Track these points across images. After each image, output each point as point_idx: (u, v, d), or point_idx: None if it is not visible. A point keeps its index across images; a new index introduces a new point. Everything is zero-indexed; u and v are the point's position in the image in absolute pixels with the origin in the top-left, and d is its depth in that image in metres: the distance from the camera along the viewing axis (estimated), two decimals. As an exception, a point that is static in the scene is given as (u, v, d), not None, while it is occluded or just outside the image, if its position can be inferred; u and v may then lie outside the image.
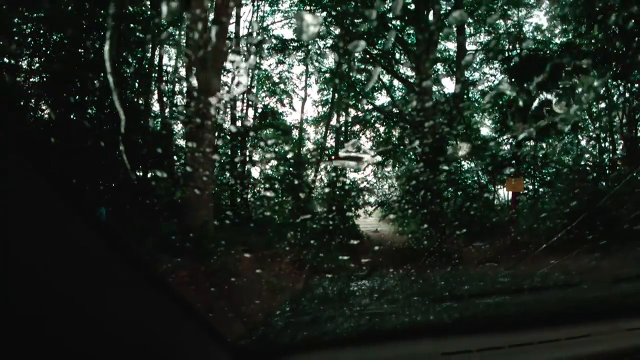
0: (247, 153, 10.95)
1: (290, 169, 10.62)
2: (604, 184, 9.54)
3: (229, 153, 10.63)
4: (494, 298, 1.64)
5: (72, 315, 0.48)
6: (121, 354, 0.54)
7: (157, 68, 10.23)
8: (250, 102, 12.09)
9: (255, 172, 11.11)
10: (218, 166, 9.57)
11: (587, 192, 7.82)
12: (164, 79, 10.68)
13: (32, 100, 7.24)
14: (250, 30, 12.16)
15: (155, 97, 9.91)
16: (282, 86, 12.63)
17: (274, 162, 10.90)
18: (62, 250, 0.46)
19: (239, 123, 11.70)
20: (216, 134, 9.25)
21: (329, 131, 12.06)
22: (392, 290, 2.09)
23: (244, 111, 12.13)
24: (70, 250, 0.47)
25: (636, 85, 9.91)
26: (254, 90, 12.40)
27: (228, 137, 10.66)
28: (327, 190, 10.49)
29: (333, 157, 11.47)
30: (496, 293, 1.74)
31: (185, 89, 10.00)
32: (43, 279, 0.43)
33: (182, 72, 10.92)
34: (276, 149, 11.40)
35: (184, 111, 9.31)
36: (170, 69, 11.30)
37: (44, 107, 7.37)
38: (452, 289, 2.02)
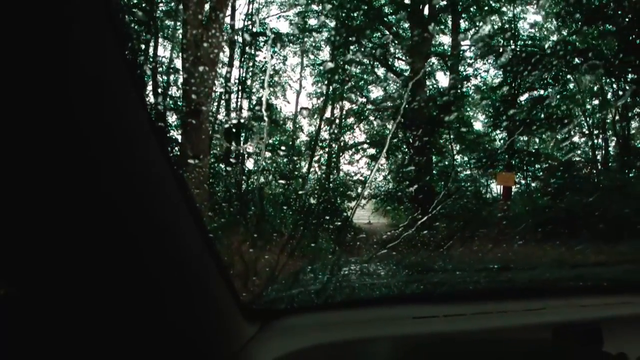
0: (242, 145, 10.99)
1: (284, 160, 10.71)
2: (596, 180, 9.70)
3: (224, 145, 10.67)
4: (461, 275, 1.79)
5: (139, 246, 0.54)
6: (159, 289, 0.62)
7: (151, 60, 10.21)
8: (245, 95, 12.10)
9: (250, 163, 11.18)
10: (213, 157, 9.63)
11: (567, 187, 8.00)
12: (159, 70, 10.66)
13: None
14: (245, 23, 12.13)
15: (150, 89, 9.91)
16: (276, 79, 12.64)
17: (268, 154, 10.97)
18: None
19: (233, 115, 11.73)
20: (211, 126, 9.30)
21: (323, 124, 12.12)
22: (374, 266, 2.24)
23: (239, 103, 12.15)
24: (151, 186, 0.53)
25: (630, 83, 9.97)
26: (249, 83, 12.40)
27: (223, 129, 10.71)
28: (320, 182, 10.60)
29: (327, 150, 11.57)
30: (463, 270, 1.89)
31: (180, 81, 10.00)
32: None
33: (178, 64, 10.93)
34: (270, 141, 11.45)
35: (179, 103, 9.34)
36: (165, 61, 11.28)
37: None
38: (426, 265, 2.17)
